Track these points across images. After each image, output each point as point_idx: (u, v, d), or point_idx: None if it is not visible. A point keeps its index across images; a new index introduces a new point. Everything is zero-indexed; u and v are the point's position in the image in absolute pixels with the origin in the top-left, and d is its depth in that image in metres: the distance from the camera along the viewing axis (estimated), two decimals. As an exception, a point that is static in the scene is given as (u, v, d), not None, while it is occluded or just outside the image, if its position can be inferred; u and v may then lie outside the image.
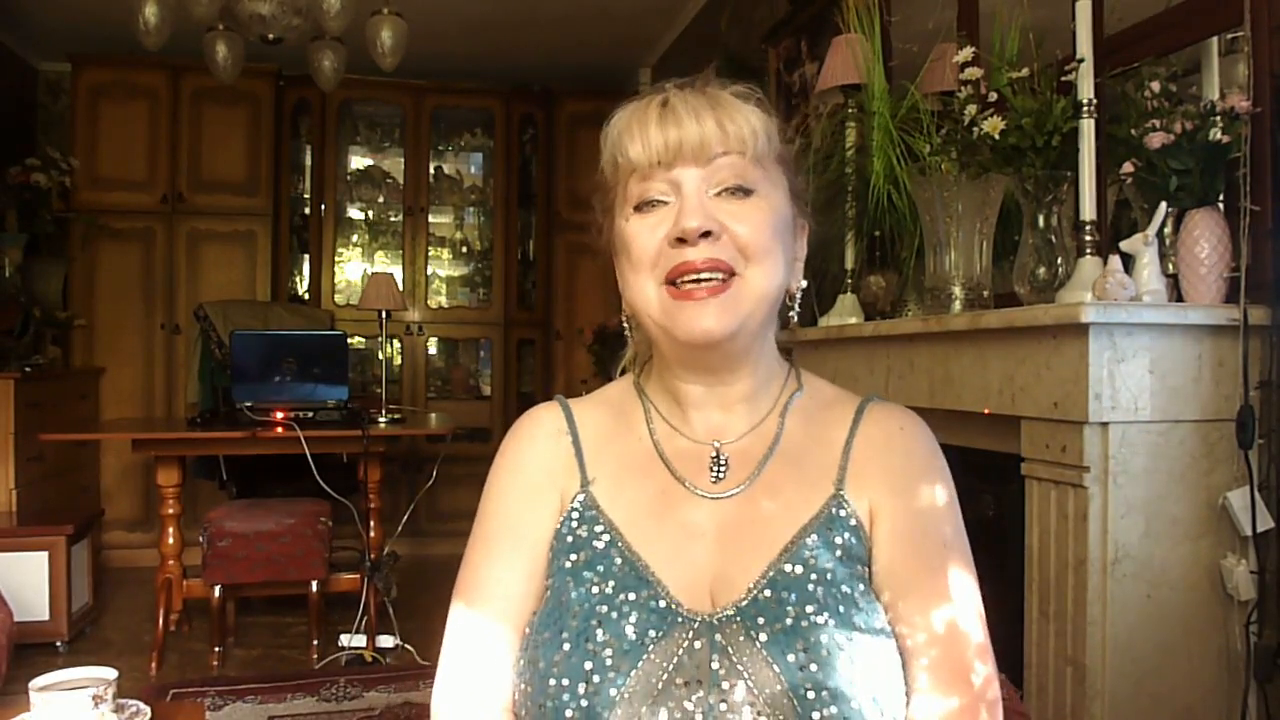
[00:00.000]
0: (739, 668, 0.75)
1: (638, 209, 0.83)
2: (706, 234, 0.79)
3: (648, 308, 0.83)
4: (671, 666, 0.76)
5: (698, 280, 0.79)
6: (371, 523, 3.43)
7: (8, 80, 4.63)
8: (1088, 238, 1.68)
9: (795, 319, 0.91)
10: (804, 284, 0.90)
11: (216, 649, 3.19)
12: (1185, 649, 1.54)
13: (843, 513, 0.83)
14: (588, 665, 0.75)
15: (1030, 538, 1.64)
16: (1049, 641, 1.59)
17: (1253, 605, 1.52)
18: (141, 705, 1.19)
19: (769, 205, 0.83)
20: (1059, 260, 1.74)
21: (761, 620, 0.77)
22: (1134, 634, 1.51)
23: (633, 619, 0.78)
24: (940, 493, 0.86)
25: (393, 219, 5.27)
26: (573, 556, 0.83)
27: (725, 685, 0.74)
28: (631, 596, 0.79)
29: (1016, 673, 1.66)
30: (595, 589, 0.80)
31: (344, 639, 3.25)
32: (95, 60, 4.56)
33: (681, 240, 0.80)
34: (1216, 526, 1.55)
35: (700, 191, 0.81)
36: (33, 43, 4.67)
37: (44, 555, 3.25)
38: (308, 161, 5.12)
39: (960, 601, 0.81)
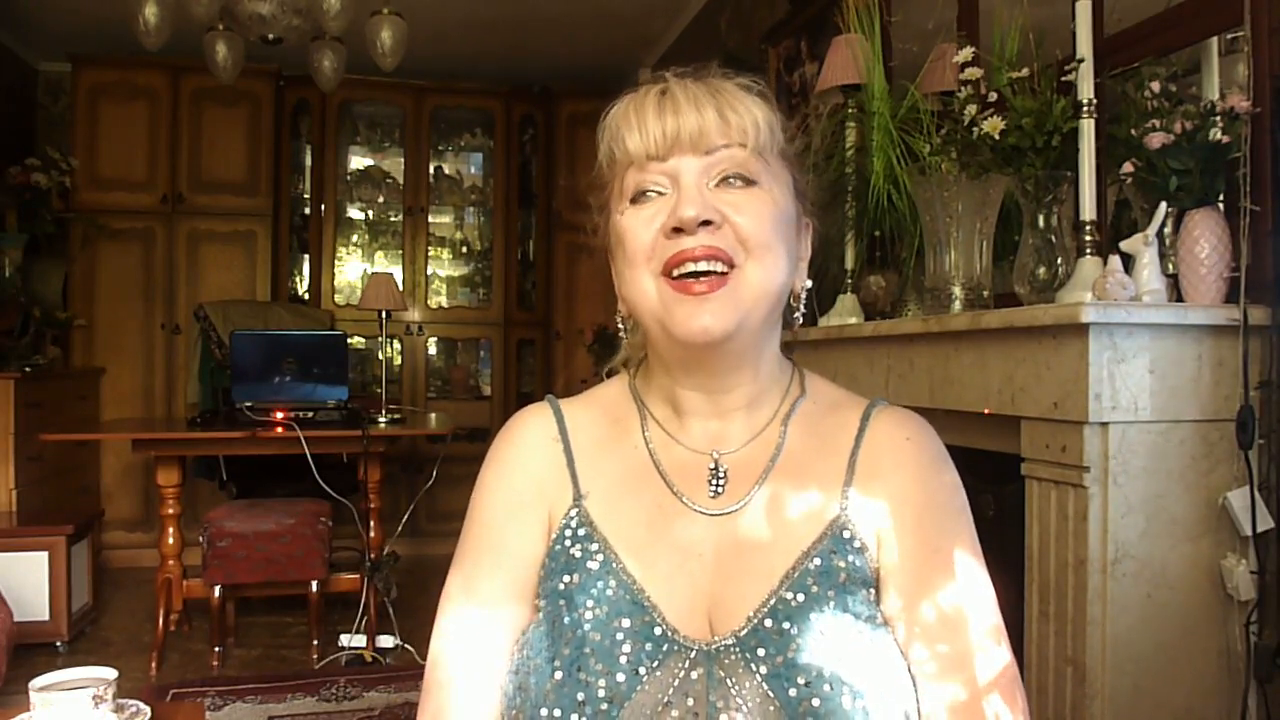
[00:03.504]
0: (738, 700, 0.72)
1: (633, 201, 0.80)
2: (705, 223, 0.76)
3: (645, 302, 0.79)
4: (667, 698, 0.72)
5: (695, 274, 0.76)
6: (371, 523, 3.43)
7: (8, 80, 4.63)
8: (1088, 238, 1.68)
9: (800, 320, 0.87)
10: (809, 284, 0.87)
11: (216, 649, 3.19)
12: (1185, 649, 1.54)
13: (846, 533, 0.79)
14: (580, 696, 0.72)
15: (1030, 538, 1.64)
16: (1049, 641, 1.59)
17: (1253, 605, 1.52)
18: (141, 705, 1.19)
19: (771, 198, 0.80)
20: (1059, 260, 1.74)
21: (762, 652, 0.74)
22: (1134, 634, 1.51)
23: (627, 648, 0.74)
24: (949, 499, 0.83)
25: (393, 219, 5.27)
26: (566, 578, 0.80)
27: (724, 718, 0.72)
28: (626, 623, 0.76)
29: (1019, 671, 1.66)
30: (589, 614, 0.77)
31: (344, 639, 3.25)
32: (95, 60, 4.56)
33: (678, 230, 0.76)
34: (1216, 526, 1.55)
35: (699, 182, 0.78)
36: (33, 43, 4.67)
37: (44, 555, 3.25)
38: (308, 161, 5.12)
39: (973, 602, 0.79)
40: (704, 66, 0.83)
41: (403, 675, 3.04)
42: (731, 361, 0.82)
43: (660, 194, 0.79)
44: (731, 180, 0.79)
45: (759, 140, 0.79)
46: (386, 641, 3.30)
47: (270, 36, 3.20)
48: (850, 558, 0.79)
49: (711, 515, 0.82)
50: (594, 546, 0.81)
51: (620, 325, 0.89)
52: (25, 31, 4.50)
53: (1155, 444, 1.52)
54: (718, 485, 0.83)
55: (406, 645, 3.28)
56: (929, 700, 0.77)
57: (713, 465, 0.84)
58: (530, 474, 0.86)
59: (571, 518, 0.83)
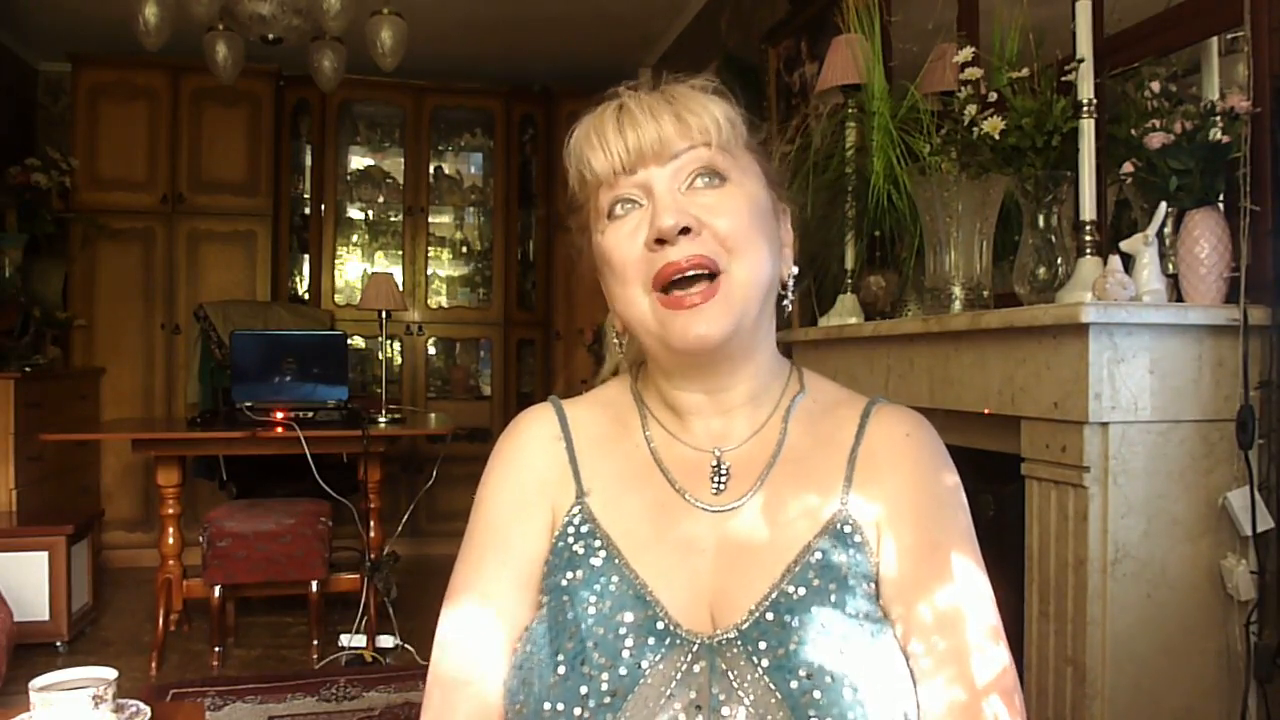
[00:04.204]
0: (740, 693, 0.72)
1: (611, 217, 0.81)
2: (685, 231, 0.77)
3: (641, 319, 0.80)
4: (670, 690, 0.73)
5: (686, 284, 0.77)
6: (371, 523, 3.43)
7: (8, 80, 4.63)
8: (1088, 238, 1.68)
9: (790, 307, 0.88)
10: (795, 270, 0.87)
11: (216, 649, 3.19)
12: (1185, 649, 1.54)
13: (847, 528, 0.80)
14: (583, 690, 0.73)
15: (1030, 538, 1.64)
16: (1049, 641, 1.59)
17: (1253, 605, 1.52)
18: (141, 705, 1.19)
19: (744, 193, 0.81)
20: (1059, 260, 1.74)
21: (763, 644, 0.74)
22: (1134, 634, 1.51)
23: (630, 642, 0.75)
24: (948, 496, 0.83)
25: (393, 219, 5.27)
26: (569, 574, 0.80)
27: (726, 711, 0.72)
28: (629, 618, 0.76)
29: (1018, 673, 1.66)
30: (592, 609, 0.77)
31: (344, 639, 3.25)
32: (95, 60, 4.56)
33: (661, 241, 0.77)
34: (1216, 526, 1.55)
35: (671, 189, 0.79)
36: (33, 43, 4.67)
37: (44, 555, 3.25)
38: (308, 161, 5.12)
39: (971, 600, 0.79)
40: (658, 78, 0.85)
41: (403, 675, 3.04)
42: (731, 362, 0.83)
43: (637, 205, 0.80)
44: (703, 179, 0.80)
45: (721, 137, 0.80)
46: (386, 641, 3.30)
47: (270, 36, 3.20)
48: (851, 552, 0.79)
49: (714, 511, 0.82)
50: (597, 543, 0.82)
51: (616, 340, 0.90)
52: (25, 31, 4.50)
53: (1155, 444, 1.52)
54: (720, 482, 0.84)
55: (406, 645, 3.28)
56: (927, 698, 0.77)
57: (715, 462, 0.84)
58: (534, 472, 0.87)
59: (574, 515, 0.84)
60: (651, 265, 0.78)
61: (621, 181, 0.80)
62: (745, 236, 0.79)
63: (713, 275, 0.78)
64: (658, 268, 0.78)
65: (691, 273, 0.77)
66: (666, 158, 0.80)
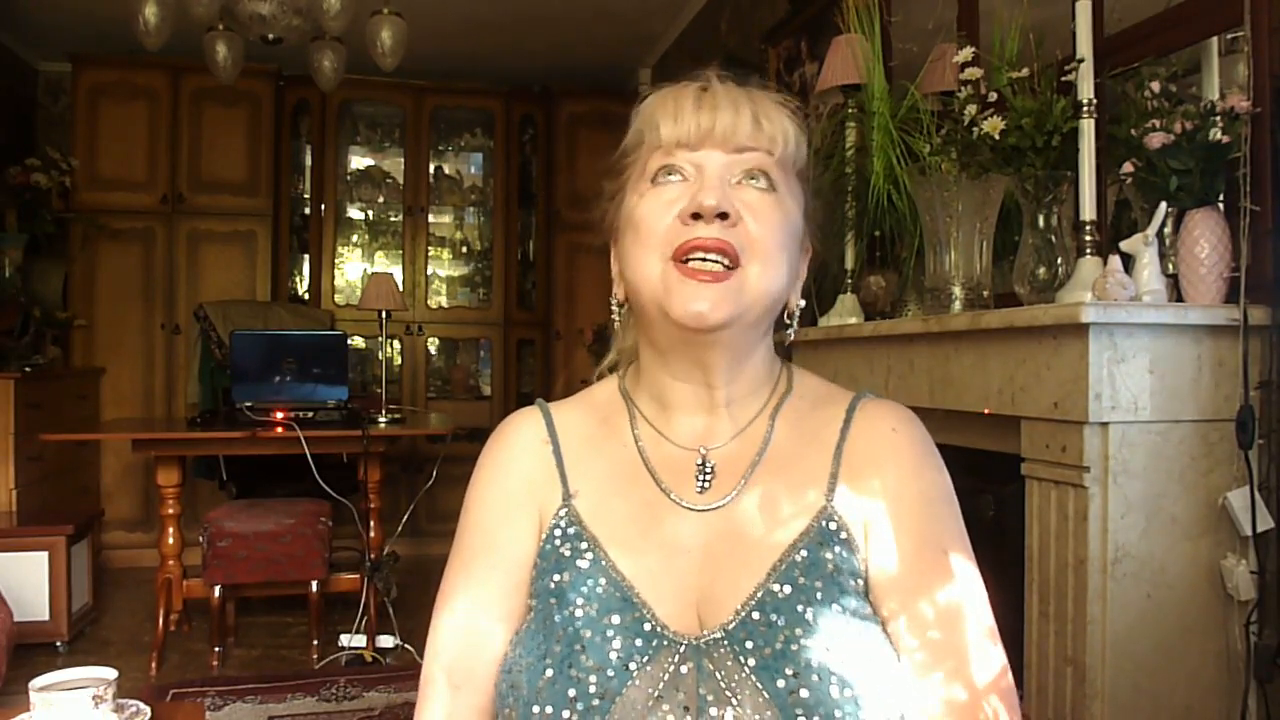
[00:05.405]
0: (727, 693, 0.73)
1: (654, 181, 0.82)
2: (722, 216, 0.78)
3: (647, 283, 0.80)
4: (658, 692, 0.73)
5: (704, 260, 0.78)
6: (371, 523, 3.43)
7: (8, 80, 4.63)
8: (1088, 238, 1.68)
9: (793, 335, 0.89)
10: (802, 303, 0.89)
11: (216, 649, 3.19)
12: (1185, 649, 1.54)
13: (833, 525, 0.80)
14: (571, 692, 0.73)
15: (1030, 538, 1.64)
16: (1049, 641, 1.59)
17: (1253, 605, 1.52)
18: (141, 705, 1.19)
19: (784, 209, 0.82)
20: (1059, 260, 1.74)
21: (750, 644, 0.75)
22: (1134, 634, 1.51)
23: (617, 644, 0.75)
24: (937, 492, 0.83)
25: (393, 219, 5.27)
26: (556, 577, 0.81)
27: (714, 711, 0.72)
28: (616, 619, 0.77)
29: (1016, 673, 1.66)
30: (580, 611, 0.78)
31: (344, 639, 3.25)
32: (95, 60, 4.56)
33: (696, 217, 0.78)
34: (1216, 526, 1.55)
35: (723, 174, 0.80)
36: (33, 43, 4.67)
37: (44, 555, 3.25)
38: (308, 161, 5.12)
39: (965, 596, 0.79)
40: (742, 73, 0.86)
41: (403, 675, 3.04)
42: (722, 354, 0.83)
43: (683, 179, 0.81)
44: (754, 178, 0.81)
45: (785, 151, 0.82)
46: (386, 641, 3.30)
47: (270, 36, 3.20)
48: (837, 549, 0.79)
49: (699, 511, 0.82)
50: (583, 545, 0.82)
51: (615, 312, 0.90)
52: (25, 31, 4.50)
53: (1155, 444, 1.52)
54: (704, 480, 0.84)
55: (406, 645, 3.28)
56: (922, 694, 0.77)
57: (700, 461, 0.85)
58: (522, 474, 0.87)
59: (561, 517, 0.84)
60: (677, 236, 0.79)
61: (679, 153, 0.81)
62: (772, 244, 0.80)
63: (732, 265, 0.78)
64: (683, 239, 0.78)
65: (713, 256, 0.78)
66: (731, 147, 0.81)
